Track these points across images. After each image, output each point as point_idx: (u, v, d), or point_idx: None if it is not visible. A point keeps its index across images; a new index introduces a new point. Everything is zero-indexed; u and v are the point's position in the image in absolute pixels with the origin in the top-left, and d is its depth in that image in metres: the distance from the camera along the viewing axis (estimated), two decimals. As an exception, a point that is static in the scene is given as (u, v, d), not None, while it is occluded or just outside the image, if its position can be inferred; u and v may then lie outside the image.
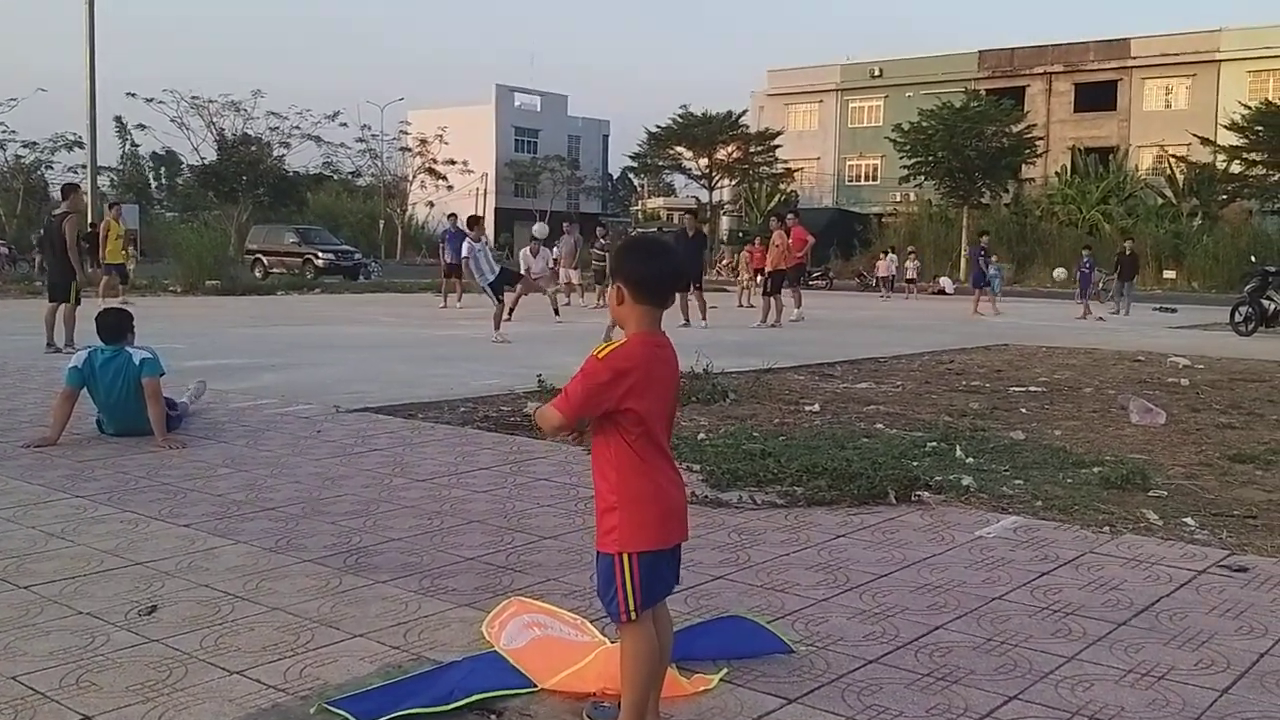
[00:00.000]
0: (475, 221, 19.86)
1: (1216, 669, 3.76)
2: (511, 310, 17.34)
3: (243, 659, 3.71)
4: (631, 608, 3.05)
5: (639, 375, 3.00)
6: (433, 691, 3.42)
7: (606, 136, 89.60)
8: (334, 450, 7.41)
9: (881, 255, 42.22)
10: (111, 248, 22.58)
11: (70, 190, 14.80)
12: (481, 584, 4.57)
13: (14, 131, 56.92)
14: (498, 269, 17.11)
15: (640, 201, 76.98)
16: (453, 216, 25.94)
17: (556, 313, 21.39)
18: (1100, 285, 34.23)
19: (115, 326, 7.70)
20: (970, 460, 7.28)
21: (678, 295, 17.42)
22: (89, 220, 31.74)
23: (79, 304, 13.37)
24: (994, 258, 31.41)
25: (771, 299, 20.23)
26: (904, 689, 3.55)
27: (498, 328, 16.15)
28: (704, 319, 19.24)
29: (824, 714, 3.36)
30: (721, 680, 3.57)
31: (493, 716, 3.34)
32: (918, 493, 6.25)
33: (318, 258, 37.34)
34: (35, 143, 57.62)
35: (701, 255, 21.36)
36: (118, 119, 73.48)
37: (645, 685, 3.11)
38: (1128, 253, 28.58)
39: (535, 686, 3.49)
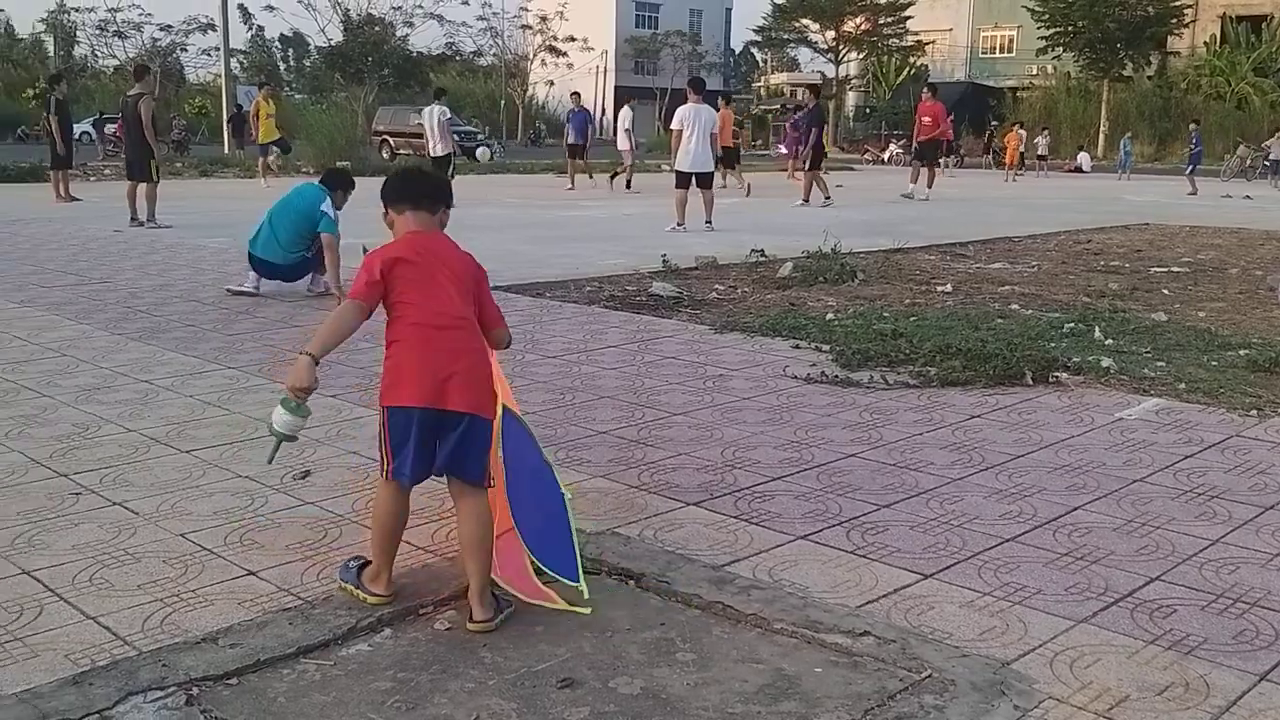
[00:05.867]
0: (576, 96, 21.94)
1: (1370, 555, 3.66)
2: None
3: (392, 523, 3.85)
4: (384, 465, 3.18)
5: (409, 258, 3.16)
6: None
7: (729, 10, 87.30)
8: (468, 326, 7.56)
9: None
10: (264, 127, 22.64)
11: (143, 72, 15.40)
12: (615, 456, 4.67)
13: (149, 14, 58.25)
14: (441, 151, 19.74)
15: (763, 78, 75.30)
16: (575, 95, 25.84)
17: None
18: (1248, 162, 32.66)
19: (336, 174, 9.43)
20: (1109, 342, 7.11)
21: (801, 175, 16.90)
22: (226, 103, 32.26)
23: (159, 181, 14.18)
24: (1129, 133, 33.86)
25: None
26: (1041, 567, 3.54)
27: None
28: (827, 196, 19.10)
29: (960, 589, 3.37)
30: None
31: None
32: (1055, 374, 6.14)
33: (443, 139, 37.60)
34: (170, 26, 58.88)
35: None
36: (241, 6, 74.36)
37: (380, 539, 3.26)
38: None
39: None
